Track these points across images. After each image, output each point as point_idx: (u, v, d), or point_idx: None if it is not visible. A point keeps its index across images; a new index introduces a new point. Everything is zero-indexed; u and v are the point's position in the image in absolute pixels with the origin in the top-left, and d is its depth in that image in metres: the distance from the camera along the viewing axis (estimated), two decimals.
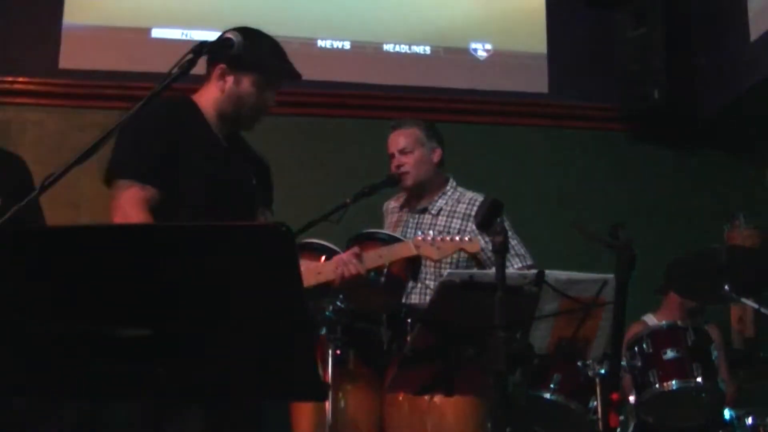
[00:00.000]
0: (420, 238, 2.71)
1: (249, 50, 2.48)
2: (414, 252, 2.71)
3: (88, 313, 1.40)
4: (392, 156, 3.45)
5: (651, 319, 4.12)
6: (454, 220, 3.31)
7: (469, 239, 2.86)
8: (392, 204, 3.62)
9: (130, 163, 2.36)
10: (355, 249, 2.70)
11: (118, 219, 2.33)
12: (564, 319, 2.53)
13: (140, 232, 1.49)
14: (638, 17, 4.85)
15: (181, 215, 2.37)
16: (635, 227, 2.17)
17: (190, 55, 2.12)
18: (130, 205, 2.33)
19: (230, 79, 2.56)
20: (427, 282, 3.27)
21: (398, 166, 3.41)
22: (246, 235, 1.39)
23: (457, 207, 3.36)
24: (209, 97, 2.59)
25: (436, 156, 3.47)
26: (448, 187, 3.47)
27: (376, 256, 2.71)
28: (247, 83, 2.55)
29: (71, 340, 1.42)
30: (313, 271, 2.65)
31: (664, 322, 3.45)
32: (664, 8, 4.78)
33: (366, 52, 4.92)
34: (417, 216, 3.44)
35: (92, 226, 1.60)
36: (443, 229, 3.25)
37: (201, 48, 2.22)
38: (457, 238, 2.79)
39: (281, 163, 3.03)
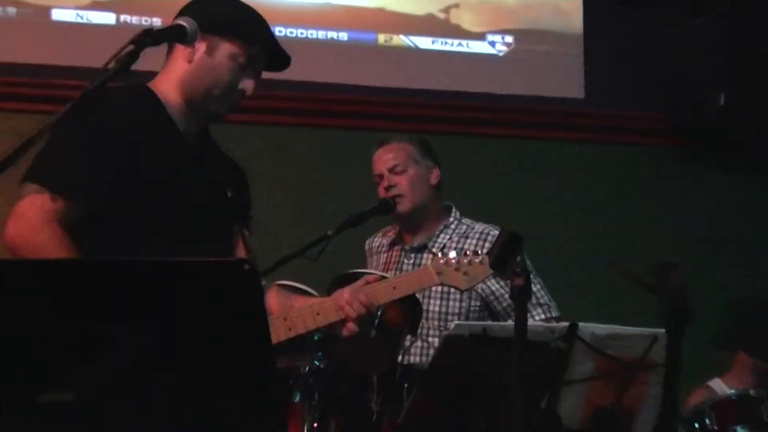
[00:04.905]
0: (442, 261, 2.60)
1: (226, 8, 2.53)
2: (435, 280, 2.60)
3: (36, 349, 1.45)
4: (380, 177, 3.48)
5: (718, 385, 4.07)
6: None
7: None
8: (378, 241, 3.61)
9: (48, 167, 2.32)
10: (360, 283, 2.57)
11: (14, 228, 2.29)
12: (602, 385, 2.52)
13: (84, 267, 1.54)
14: (694, 6, 4.86)
15: (142, 238, 2.35)
16: (691, 267, 2.16)
17: (131, 47, 2.09)
18: (34, 214, 2.28)
19: (202, 46, 2.48)
20: (429, 339, 3.26)
21: (389, 188, 3.43)
22: (203, 272, 1.42)
23: (464, 243, 3.35)
24: (172, 77, 2.53)
25: (434, 177, 3.50)
26: (451, 219, 3.49)
27: (389, 288, 2.58)
28: (223, 53, 2.49)
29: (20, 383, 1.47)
30: (311, 310, 2.52)
31: (732, 391, 3.42)
32: None
33: (356, 45, 4.91)
34: (414, 255, 3.44)
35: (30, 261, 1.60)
36: None
37: (145, 38, 2.21)
38: None
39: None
